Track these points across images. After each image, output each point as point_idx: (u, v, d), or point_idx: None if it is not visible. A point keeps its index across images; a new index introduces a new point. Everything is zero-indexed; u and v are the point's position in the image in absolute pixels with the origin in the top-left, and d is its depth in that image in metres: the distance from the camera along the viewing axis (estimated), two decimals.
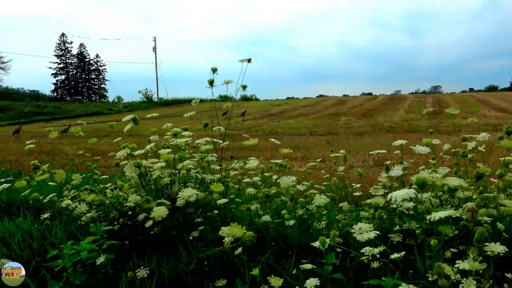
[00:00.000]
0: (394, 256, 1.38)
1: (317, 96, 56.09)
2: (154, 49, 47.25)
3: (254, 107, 31.35)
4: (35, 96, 50.97)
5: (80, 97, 54.96)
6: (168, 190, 2.35)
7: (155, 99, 45.59)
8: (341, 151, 2.77)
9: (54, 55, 56.01)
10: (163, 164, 2.20)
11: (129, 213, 2.26)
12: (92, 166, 4.25)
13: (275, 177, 2.31)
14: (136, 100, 45.67)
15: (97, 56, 58.29)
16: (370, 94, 56.75)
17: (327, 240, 1.45)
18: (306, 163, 3.20)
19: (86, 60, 57.56)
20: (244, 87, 2.39)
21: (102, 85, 58.68)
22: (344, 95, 47.87)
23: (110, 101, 51.55)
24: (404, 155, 6.72)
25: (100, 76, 58.42)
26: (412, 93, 55.70)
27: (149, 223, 2.00)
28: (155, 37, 48.28)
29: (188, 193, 1.78)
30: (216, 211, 2.17)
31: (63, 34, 56.24)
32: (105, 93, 57.46)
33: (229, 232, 1.35)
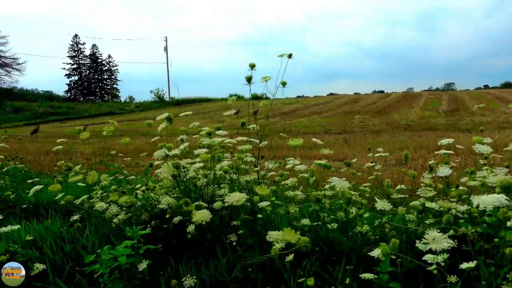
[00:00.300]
0: (465, 265, 1.27)
1: (327, 95, 55.71)
2: (166, 49, 47.38)
3: (263, 106, 31.15)
4: (48, 96, 51.47)
5: (93, 97, 55.38)
6: (204, 192, 2.27)
7: (167, 99, 45.74)
8: (379, 149, 2.66)
9: (68, 56, 56.57)
10: (201, 164, 2.11)
11: (165, 216, 2.18)
12: (115, 166, 4.19)
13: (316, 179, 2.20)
14: (148, 100, 45.88)
15: (109, 56, 58.78)
16: (381, 92, 56.16)
17: (386, 248, 1.34)
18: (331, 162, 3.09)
19: (99, 60, 57.98)
20: (284, 84, 2.29)
21: (114, 85, 59.09)
22: (355, 93, 47.42)
23: (122, 101, 51.86)
24: (429, 154, 6.50)
25: (112, 76, 58.83)
26: (425, 90, 55.05)
27: (191, 228, 1.91)
28: (166, 37, 48.29)
29: (235, 198, 1.68)
30: (259, 215, 2.08)
31: (76, 35, 56.74)
32: (117, 93, 57.84)
33: (282, 237, 1.25)
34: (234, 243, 2.02)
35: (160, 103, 42.82)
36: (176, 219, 2.10)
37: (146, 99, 46.59)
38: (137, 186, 2.71)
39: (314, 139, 2.56)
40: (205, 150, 2.25)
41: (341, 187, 1.66)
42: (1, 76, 44.63)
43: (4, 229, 1.92)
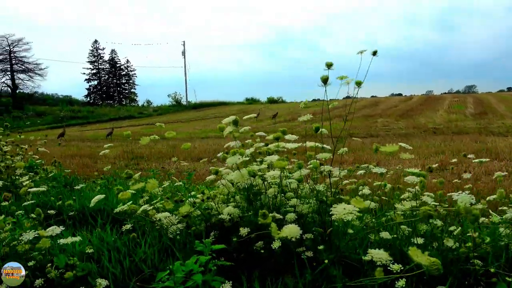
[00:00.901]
0: None
1: (344, 98, 55.02)
2: (183, 53, 47.64)
3: (283, 109, 31.04)
4: (68, 101, 52.19)
5: (111, 102, 55.92)
6: (272, 201, 2.09)
7: (184, 103, 45.91)
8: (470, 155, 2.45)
9: (87, 61, 57.28)
10: (277, 172, 1.93)
11: (225, 225, 2.01)
12: (155, 171, 4.05)
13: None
14: (166, 104, 46.13)
15: (127, 61, 59.26)
16: (400, 94, 55.29)
17: None
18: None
19: (117, 65, 58.56)
20: (358, 83, 2.11)
21: (132, 90, 59.56)
22: (372, 96, 46.86)
23: (140, 105, 52.25)
24: (469, 159, 6.16)
25: (130, 81, 59.29)
26: (447, 93, 54.00)
27: (276, 244, 1.73)
28: (184, 42, 48.55)
29: (343, 210, 1.44)
30: (351, 231, 1.89)
31: (96, 41, 57.43)
32: (135, 97, 58.32)
33: (414, 257, 1.07)
34: (306, 258, 1.84)
35: (177, 107, 43.00)
36: (244, 231, 1.92)
37: (163, 103, 46.95)
38: (192, 193, 2.55)
39: (402, 144, 2.34)
40: (276, 157, 2.06)
41: (463, 200, 1.45)
42: (24, 81, 45.49)
43: (64, 240, 1.77)
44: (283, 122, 21.73)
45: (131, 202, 2.64)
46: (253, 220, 2.05)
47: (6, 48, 44.13)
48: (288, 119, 22.90)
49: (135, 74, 59.66)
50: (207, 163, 9.16)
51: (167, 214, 2.05)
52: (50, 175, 2.88)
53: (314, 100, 53.82)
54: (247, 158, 2.06)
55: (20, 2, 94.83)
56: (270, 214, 1.88)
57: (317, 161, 2.12)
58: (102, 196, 2.06)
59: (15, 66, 44.76)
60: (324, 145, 2.29)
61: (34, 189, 2.01)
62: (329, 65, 1.98)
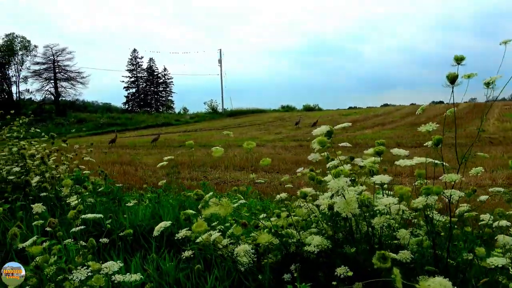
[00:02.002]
0: None
1: (381, 105, 53.84)
2: (220, 61, 47.94)
3: (321, 117, 30.45)
4: (107, 108, 53.58)
5: (148, 109, 56.93)
6: (377, 233, 1.67)
7: (220, 110, 46.08)
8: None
9: (126, 70, 58.70)
10: (393, 200, 1.51)
11: (309, 257, 1.61)
12: (206, 183, 3.70)
13: None
14: (201, 111, 46.43)
15: (165, 69, 60.30)
16: (441, 102, 53.29)
17: None
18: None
19: (155, 73, 59.68)
20: (486, 85, 1.67)
21: (169, 97, 60.48)
22: (412, 104, 45.36)
23: (177, 112, 52.87)
24: None
25: (167, 89, 60.26)
26: (489, 101, 51.46)
27: None
28: (220, 50, 48.84)
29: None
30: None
31: (134, 50, 58.90)
32: (171, 105, 59.16)
33: None
34: None
35: (213, 114, 43.17)
36: (341, 270, 1.51)
37: (199, 110, 47.28)
38: (261, 216, 2.17)
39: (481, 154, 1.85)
40: (386, 177, 1.64)
41: None
42: (66, 89, 47.13)
43: (121, 277, 1.42)
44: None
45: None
46: (349, 254, 1.64)
47: (51, 57, 45.94)
48: None
49: (172, 82, 60.65)
50: (248, 172, 8.84)
51: (246, 247, 1.66)
52: (99, 189, 2.61)
53: (350, 108, 52.86)
54: (350, 179, 1.65)
55: (69, 21, 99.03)
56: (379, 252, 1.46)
57: (428, 183, 1.68)
58: (168, 223, 1.70)
59: (58, 74, 46.48)
60: (438, 162, 1.84)
61: (90, 215, 1.69)
62: (459, 59, 1.55)
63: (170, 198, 3.12)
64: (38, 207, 1.90)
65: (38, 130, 4.10)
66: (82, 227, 1.65)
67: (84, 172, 3.37)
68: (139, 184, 6.91)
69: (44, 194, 3.09)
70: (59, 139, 4.00)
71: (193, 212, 1.97)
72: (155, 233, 1.62)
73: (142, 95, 58.54)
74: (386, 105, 55.10)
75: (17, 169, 3.24)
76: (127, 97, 58.56)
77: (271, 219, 2.05)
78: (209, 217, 1.89)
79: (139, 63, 58.90)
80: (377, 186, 1.69)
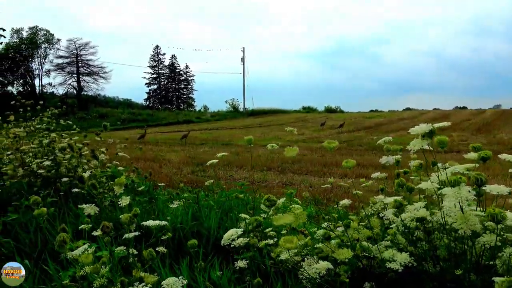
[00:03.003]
0: None
1: (403, 110, 52.95)
2: (243, 59, 47.80)
3: (345, 119, 30.04)
4: (128, 104, 54.04)
5: (169, 106, 57.26)
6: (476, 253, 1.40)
7: (241, 109, 45.96)
8: None
9: (148, 66, 59.10)
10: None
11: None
12: (243, 184, 3.47)
13: None
14: (222, 109, 46.41)
15: (187, 66, 60.48)
16: (464, 108, 52.05)
17: None
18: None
19: (177, 70, 59.95)
20: None
21: (190, 95, 60.68)
22: (435, 109, 44.46)
23: (197, 110, 53.02)
24: None
25: (189, 86, 60.45)
26: None
27: None
28: (243, 48, 48.66)
29: None
30: None
31: (157, 46, 59.18)
32: (192, 102, 59.34)
33: None
34: None
35: (234, 113, 43.09)
36: None
37: (220, 108, 47.25)
38: (323, 225, 1.92)
39: None
40: (503, 188, 1.37)
41: None
42: (89, 84, 47.53)
43: None
44: (346, 133, 20.78)
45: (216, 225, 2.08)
46: (434, 273, 1.38)
47: (74, 51, 46.46)
48: (352, 130, 21.90)
49: (193, 79, 60.85)
50: (275, 172, 8.61)
51: (327, 265, 1.42)
52: (140, 188, 2.41)
53: (372, 110, 52.00)
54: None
55: (91, 15, 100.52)
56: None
57: None
58: (240, 231, 1.48)
59: (81, 68, 47.02)
60: None
61: (152, 222, 1.47)
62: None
63: (211, 199, 2.91)
64: (90, 209, 1.69)
65: (70, 122, 3.94)
66: (137, 233, 1.44)
67: (119, 168, 3.19)
68: (165, 181, 6.74)
69: (76, 190, 2.91)
70: (91, 133, 3.84)
71: (261, 218, 1.73)
72: (225, 241, 1.39)
73: (163, 92, 58.90)
74: (408, 109, 54.18)
75: (48, 162, 3.08)
76: (148, 93, 59.00)
77: (338, 228, 1.81)
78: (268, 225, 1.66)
79: (161, 60, 59.31)
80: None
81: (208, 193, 3.35)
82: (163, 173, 8.38)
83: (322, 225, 1.92)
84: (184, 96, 60.30)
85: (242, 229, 1.43)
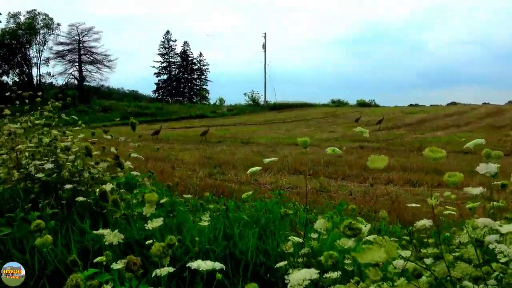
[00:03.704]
0: None
1: (448, 104, 51.91)
2: (264, 46, 47.54)
3: (379, 114, 29.54)
4: (134, 96, 54.47)
5: (180, 98, 57.41)
6: None
7: (262, 103, 45.75)
8: None
9: (158, 54, 59.29)
10: None
11: None
12: (282, 192, 3.23)
13: None
14: (240, 103, 46.30)
15: (200, 54, 60.43)
16: None
17: None
18: None
19: (189, 59, 60.06)
20: None
21: (204, 86, 60.75)
22: (485, 104, 43.45)
23: (211, 103, 53.04)
24: None
25: (202, 76, 60.51)
26: None
27: None
28: (265, 34, 48.30)
29: None
30: None
31: (167, 32, 59.34)
32: (206, 95, 59.35)
33: None
34: None
35: (254, 107, 42.94)
36: None
37: (238, 101, 47.18)
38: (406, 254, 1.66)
39: None
40: None
41: None
42: (92, 73, 47.67)
43: None
44: (385, 130, 20.35)
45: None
46: None
47: (76, 37, 46.63)
48: (391, 127, 21.44)
49: (208, 69, 60.89)
50: (308, 177, 8.34)
51: None
52: (162, 200, 2.20)
53: (411, 105, 50.99)
54: None
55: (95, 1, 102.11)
56: None
57: None
58: (314, 273, 1.22)
59: (83, 56, 47.22)
60: None
61: (204, 265, 1.21)
62: None
63: (244, 214, 2.68)
64: (113, 237, 1.48)
65: (75, 117, 3.78)
66: (171, 269, 1.21)
67: (133, 173, 3.00)
68: (181, 186, 6.57)
69: (81, 199, 2.72)
70: (94, 128, 3.68)
71: (317, 244, 1.47)
72: (303, 282, 1.14)
73: (174, 83, 59.12)
74: (453, 103, 53.12)
75: (50, 165, 2.90)
76: (157, 84, 59.27)
77: (423, 258, 1.55)
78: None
79: (172, 47, 59.51)
80: None
81: (238, 203, 3.13)
82: (176, 176, 8.21)
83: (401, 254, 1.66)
84: (197, 88, 60.43)
85: (316, 272, 1.18)
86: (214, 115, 36.59)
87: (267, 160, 2.02)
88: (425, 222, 1.87)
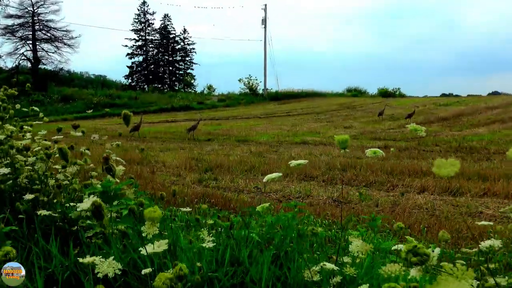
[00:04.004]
0: None
1: (489, 94, 52.07)
2: (264, 21, 47.24)
3: (407, 106, 29.57)
4: (102, 83, 54.16)
5: (160, 85, 57.36)
6: None
7: (261, 91, 45.72)
8: None
9: (131, 30, 59.01)
10: None
11: None
12: (298, 204, 3.17)
13: None
14: (234, 92, 46.34)
15: (185, 31, 60.29)
16: None
17: None
18: None
19: (171, 36, 59.97)
20: None
21: (189, 70, 60.69)
22: None
23: (199, 92, 53.00)
24: None
25: (187, 58, 60.47)
26: None
27: None
28: (265, 5, 48.05)
29: None
30: None
31: (144, 3, 58.94)
32: (191, 81, 59.32)
33: None
34: None
35: (251, 96, 42.98)
36: None
37: (231, 90, 47.17)
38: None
39: None
40: None
41: None
42: (49, 54, 47.03)
43: None
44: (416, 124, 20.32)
45: None
46: None
47: (29, 9, 46.04)
48: (421, 121, 21.42)
49: (194, 49, 60.82)
50: (322, 184, 8.27)
51: None
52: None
53: (443, 95, 50.93)
54: None
55: None
56: None
57: None
58: None
59: (38, 33, 46.60)
60: None
61: None
62: None
63: (254, 232, 2.61)
64: (108, 267, 1.41)
65: (36, 109, 3.71)
66: None
67: (112, 180, 2.91)
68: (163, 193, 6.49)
69: (45, 213, 2.65)
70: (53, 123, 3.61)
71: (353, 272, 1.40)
72: None
73: (151, 66, 59.07)
74: (496, 93, 53.30)
75: (5, 170, 2.82)
76: (131, 67, 59.20)
77: None
78: None
79: (150, 22, 59.42)
80: None
81: (244, 217, 3.06)
82: (157, 182, 8.14)
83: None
84: (181, 72, 60.42)
85: None
86: (202, 106, 36.64)
87: (294, 162, 1.95)
88: (493, 243, 1.82)
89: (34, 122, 3.65)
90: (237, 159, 11.21)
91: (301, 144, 14.97)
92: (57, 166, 3.11)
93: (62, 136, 3.46)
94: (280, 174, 2.00)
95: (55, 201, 2.89)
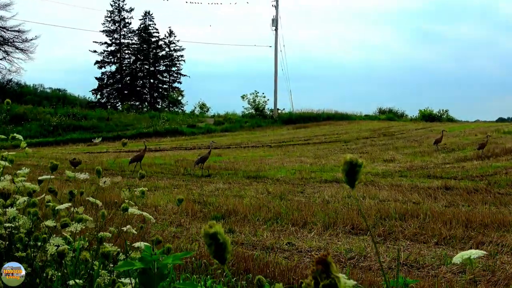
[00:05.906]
0: None
1: None
2: (275, 21, 47.12)
3: (462, 134, 29.37)
4: (62, 98, 54.04)
5: (138, 103, 57.30)
6: None
7: (268, 111, 45.52)
8: None
9: (102, 31, 59.22)
10: None
11: None
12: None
13: None
14: (235, 112, 46.19)
15: (171, 33, 60.36)
16: None
17: None
18: None
19: (153, 40, 60.11)
20: None
21: (176, 84, 60.71)
22: None
23: (188, 112, 52.81)
24: None
25: (173, 69, 60.56)
26: None
27: None
28: (277, 3, 47.91)
29: None
30: None
31: None
32: (178, 98, 59.18)
33: None
34: None
35: (258, 118, 42.85)
36: None
37: (230, 110, 47.10)
38: None
39: None
40: None
41: None
42: None
43: None
44: (474, 160, 19.94)
45: None
46: None
47: None
48: (485, 154, 21.02)
49: (182, 56, 60.93)
50: (377, 240, 7.85)
51: None
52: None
53: (501, 119, 50.38)
54: None
55: None
56: None
57: None
58: None
59: None
60: None
61: None
62: None
63: None
64: None
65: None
66: None
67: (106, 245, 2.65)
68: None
69: None
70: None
71: None
72: None
73: (127, 78, 59.13)
74: None
75: None
76: (100, 79, 59.23)
77: None
78: None
79: (126, 20, 59.60)
80: None
81: None
82: (152, 234, 7.74)
83: None
84: (165, 86, 60.47)
85: None
86: (194, 131, 36.49)
87: (461, 255, 1.55)
88: None
89: None
90: (254, 203, 10.86)
91: (333, 182, 14.61)
92: (48, 223, 2.82)
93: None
94: (482, 252, 1.61)
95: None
